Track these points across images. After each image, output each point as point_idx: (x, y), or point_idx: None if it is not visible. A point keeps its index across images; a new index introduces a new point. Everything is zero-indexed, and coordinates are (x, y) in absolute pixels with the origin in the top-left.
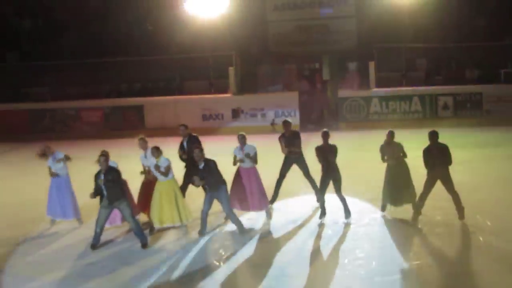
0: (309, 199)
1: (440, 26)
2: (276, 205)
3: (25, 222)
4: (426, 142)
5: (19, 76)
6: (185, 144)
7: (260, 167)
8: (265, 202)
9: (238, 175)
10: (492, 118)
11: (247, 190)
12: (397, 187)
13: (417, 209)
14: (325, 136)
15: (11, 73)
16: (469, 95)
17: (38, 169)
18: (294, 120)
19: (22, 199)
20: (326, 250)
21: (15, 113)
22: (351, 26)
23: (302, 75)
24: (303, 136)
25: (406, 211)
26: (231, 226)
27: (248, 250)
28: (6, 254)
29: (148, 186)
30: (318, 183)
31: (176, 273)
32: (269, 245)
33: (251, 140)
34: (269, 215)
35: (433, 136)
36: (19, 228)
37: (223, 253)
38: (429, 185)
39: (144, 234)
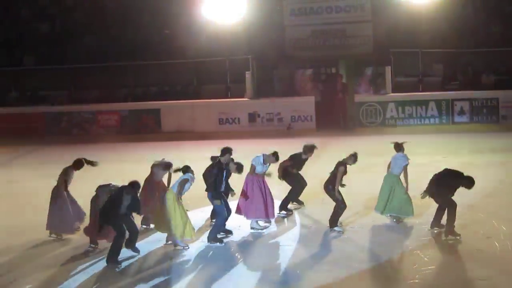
0: (320, 204)
1: (456, 32)
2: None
3: (39, 225)
4: (441, 148)
5: (36, 79)
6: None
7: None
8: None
9: (254, 184)
10: (508, 123)
11: (265, 198)
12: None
13: (437, 219)
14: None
15: (28, 76)
16: (485, 101)
17: (54, 172)
18: (311, 125)
19: (37, 202)
20: (337, 255)
21: (32, 116)
22: (368, 31)
23: (319, 79)
24: (320, 141)
25: (419, 217)
26: (246, 231)
27: (262, 254)
28: (19, 257)
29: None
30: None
31: (190, 278)
32: (283, 249)
33: (266, 145)
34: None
35: None
36: (34, 232)
37: (238, 257)
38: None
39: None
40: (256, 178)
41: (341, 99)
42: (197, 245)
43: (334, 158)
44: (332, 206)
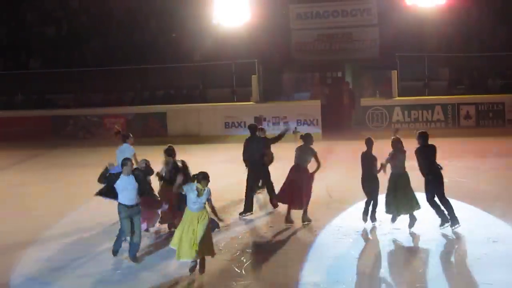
0: (332, 207)
1: (462, 36)
2: (298, 212)
3: (46, 227)
4: (448, 152)
5: (42, 83)
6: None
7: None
8: None
9: None
10: None
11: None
12: (405, 196)
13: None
14: (369, 143)
15: (34, 80)
16: (491, 105)
17: (60, 175)
18: (316, 129)
19: (43, 205)
20: (342, 259)
21: (39, 120)
22: (374, 35)
23: (325, 83)
24: (326, 145)
25: (424, 221)
26: (251, 236)
27: (269, 257)
28: (27, 259)
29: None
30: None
31: (196, 280)
32: (289, 252)
33: (272, 148)
34: None
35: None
36: (40, 234)
37: (244, 260)
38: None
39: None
40: None
41: (347, 103)
42: None
43: (339, 161)
44: (335, 210)
